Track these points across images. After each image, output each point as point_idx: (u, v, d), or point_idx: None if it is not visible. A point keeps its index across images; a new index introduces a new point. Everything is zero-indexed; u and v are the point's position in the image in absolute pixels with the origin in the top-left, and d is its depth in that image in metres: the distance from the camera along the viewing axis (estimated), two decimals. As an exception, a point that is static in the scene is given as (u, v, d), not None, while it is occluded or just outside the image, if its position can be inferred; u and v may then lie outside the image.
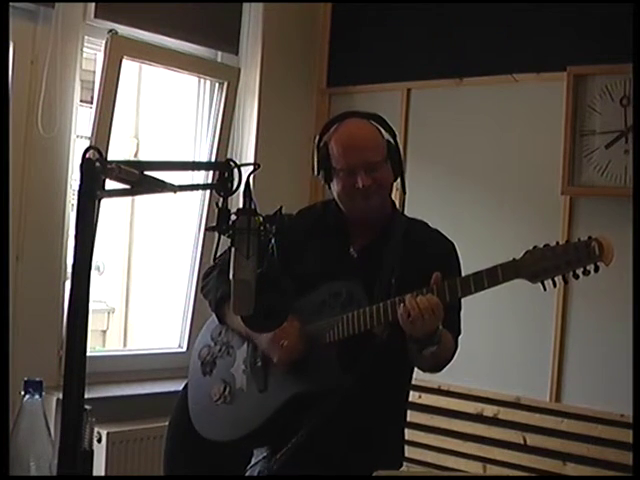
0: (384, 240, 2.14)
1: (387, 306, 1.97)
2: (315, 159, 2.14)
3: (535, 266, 1.81)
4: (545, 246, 1.81)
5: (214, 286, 2.22)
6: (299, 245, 2.17)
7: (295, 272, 2.06)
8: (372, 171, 2.07)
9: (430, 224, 2.24)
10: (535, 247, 1.83)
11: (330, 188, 2.16)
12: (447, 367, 2.13)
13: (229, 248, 1.61)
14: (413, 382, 2.32)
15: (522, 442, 3.20)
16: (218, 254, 1.80)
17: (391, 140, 2.14)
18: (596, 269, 1.75)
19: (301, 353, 2.06)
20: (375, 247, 2.14)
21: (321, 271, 2.13)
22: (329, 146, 2.12)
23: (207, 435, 2.17)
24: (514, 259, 1.85)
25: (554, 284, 1.82)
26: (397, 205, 2.23)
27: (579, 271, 1.77)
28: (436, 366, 2.10)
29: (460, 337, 2.16)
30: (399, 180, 2.16)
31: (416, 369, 2.21)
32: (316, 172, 2.15)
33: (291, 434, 2.06)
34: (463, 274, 2.15)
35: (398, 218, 2.18)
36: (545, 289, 1.82)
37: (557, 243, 1.81)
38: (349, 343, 2.02)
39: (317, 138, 2.16)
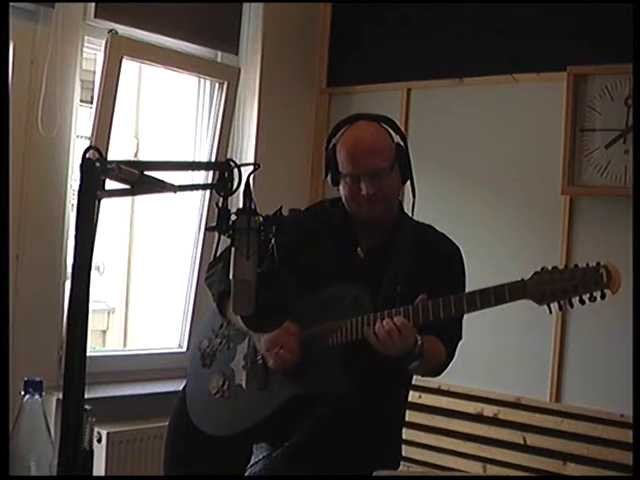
0: (391, 242, 2.14)
1: (391, 315, 1.96)
2: (323, 161, 2.15)
3: (542, 288, 1.82)
4: (553, 269, 1.82)
5: (218, 279, 2.22)
6: (306, 242, 2.17)
7: (301, 270, 2.07)
8: (377, 179, 2.06)
9: (436, 227, 2.24)
10: (543, 269, 1.83)
11: (338, 190, 2.16)
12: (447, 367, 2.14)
13: (230, 243, 1.62)
14: (413, 382, 2.32)
15: (522, 442, 3.19)
16: (219, 251, 1.81)
17: (401, 143, 2.13)
18: (602, 296, 1.76)
19: (296, 362, 2.06)
20: (382, 249, 2.14)
21: (328, 270, 2.13)
22: (337, 150, 2.11)
23: (203, 427, 2.18)
24: (522, 279, 1.85)
25: (560, 307, 1.82)
26: (405, 207, 2.23)
27: (585, 296, 1.78)
28: (427, 373, 2.11)
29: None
30: (408, 182, 2.15)
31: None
32: (324, 174, 2.15)
33: (289, 433, 2.07)
34: (466, 276, 2.17)
35: (405, 221, 2.18)
36: (551, 312, 1.83)
37: (566, 266, 1.82)
38: (351, 347, 2.03)
39: (326, 139, 2.16)
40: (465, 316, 2.14)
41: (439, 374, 2.13)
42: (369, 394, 2.07)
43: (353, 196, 2.09)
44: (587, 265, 1.78)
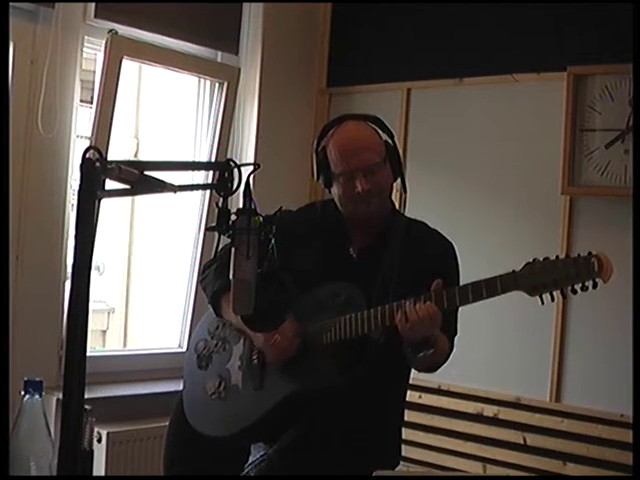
0: (383, 241, 2.14)
1: (385, 311, 1.97)
2: (314, 164, 2.15)
3: (534, 279, 1.81)
4: (545, 259, 1.82)
5: (212, 279, 2.23)
6: (298, 243, 2.17)
7: (294, 271, 2.07)
8: (371, 174, 2.07)
9: (430, 224, 2.25)
10: (535, 260, 1.83)
11: (330, 192, 2.16)
12: (447, 367, 2.14)
13: (230, 243, 1.62)
14: (413, 382, 2.32)
15: (522, 442, 3.19)
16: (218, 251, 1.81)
17: (389, 141, 2.14)
18: (594, 285, 1.76)
19: (294, 353, 2.07)
20: (374, 248, 2.15)
21: (320, 271, 2.14)
22: (327, 150, 2.12)
23: (199, 428, 2.19)
24: (514, 271, 1.85)
25: (552, 298, 1.82)
26: (397, 205, 2.23)
27: (577, 286, 1.78)
28: (431, 367, 2.12)
29: (459, 337, 2.16)
30: (399, 180, 2.16)
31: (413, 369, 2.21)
32: (316, 177, 2.15)
33: (286, 433, 2.07)
34: (462, 274, 2.17)
35: (398, 219, 2.18)
36: (543, 303, 1.83)
37: (557, 257, 1.82)
38: (346, 345, 2.03)
39: (315, 142, 2.16)
40: (465, 316, 2.15)
41: (437, 369, 2.13)
42: (366, 392, 2.07)
43: (348, 194, 2.09)
44: (579, 255, 1.78)
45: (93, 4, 3.16)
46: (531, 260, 1.84)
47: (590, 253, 1.77)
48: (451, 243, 2.20)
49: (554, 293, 1.81)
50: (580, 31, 3.12)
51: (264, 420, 2.09)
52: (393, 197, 2.22)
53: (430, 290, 1.93)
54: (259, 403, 2.10)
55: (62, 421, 1.25)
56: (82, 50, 3.13)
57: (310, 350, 2.07)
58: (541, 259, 1.82)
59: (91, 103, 3.26)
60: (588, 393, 3.08)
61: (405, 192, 2.15)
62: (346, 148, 2.09)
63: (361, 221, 2.16)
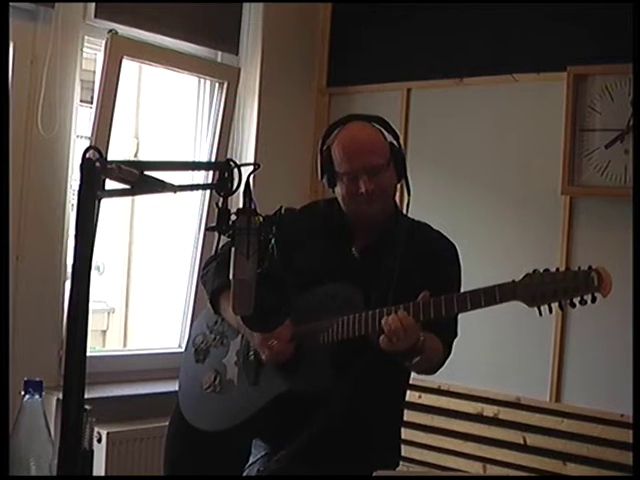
0: (386, 241, 2.14)
1: (383, 313, 1.97)
2: (318, 163, 2.15)
3: (533, 290, 1.82)
4: (545, 271, 1.82)
5: (212, 276, 2.23)
6: (301, 242, 2.17)
7: (296, 269, 2.07)
8: (375, 175, 2.07)
9: (432, 226, 2.25)
10: (535, 271, 1.83)
11: (334, 192, 2.17)
12: (447, 367, 2.14)
13: (230, 243, 1.62)
14: (413, 382, 2.32)
15: (522, 442, 3.20)
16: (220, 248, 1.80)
17: (394, 142, 2.15)
18: (593, 300, 1.76)
19: (288, 357, 2.07)
20: (377, 248, 2.15)
21: (322, 270, 2.14)
22: (332, 150, 2.12)
23: (194, 422, 2.20)
24: (513, 281, 1.85)
25: (550, 310, 1.82)
26: (400, 206, 2.24)
27: (576, 300, 1.78)
28: (427, 370, 2.12)
29: (459, 338, 2.16)
30: (403, 181, 2.16)
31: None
32: (320, 176, 2.16)
33: (281, 430, 2.07)
34: (463, 275, 2.17)
35: (401, 219, 2.18)
36: (541, 314, 1.83)
37: (557, 269, 1.82)
38: (343, 345, 2.03)
39: (320, 142, 2.16)
40: (465, 316, 2.14)
41: (435, 372, 2.13)
42: (366, 392, 2.07)
43: (351, 195, 2.10)
44: (579, 268, 1.79)
45: (93, 4, 3.16)
46: (531, 271, 1.84)
47: (590, 267, 1.77)
48: (454, 245, 2.20)
49: (552, 305, 1.81)
50: (580, 31, 3.12)
51: (258, 416, 2.09)
52: (396, 198, 2.22)
53: (417, 299, 1.92)
54: (253, 399, 2.11)
55: (62, 421, 1.26)
56: (82, 50, 3.13)
57: (307, 350, 2.07)
58: (541, 270, 1.82)
59: (91, 103, 3.26)
60: (588, 393, 3.08)
61: (409, 193, 2.15)
62: (350, 148, 2.09)
63: (364, 221, 2.16)
